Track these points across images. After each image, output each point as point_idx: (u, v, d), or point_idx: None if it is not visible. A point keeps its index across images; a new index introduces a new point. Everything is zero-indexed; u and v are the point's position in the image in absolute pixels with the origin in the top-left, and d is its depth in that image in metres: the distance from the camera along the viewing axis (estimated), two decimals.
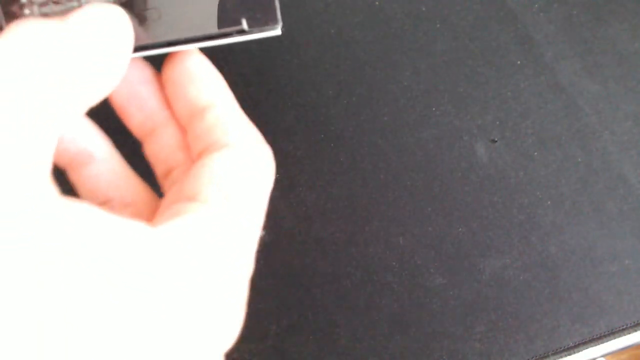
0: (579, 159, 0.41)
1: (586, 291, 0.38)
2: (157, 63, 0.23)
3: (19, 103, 0.16)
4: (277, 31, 0.21)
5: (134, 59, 0.21)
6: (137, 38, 0.20)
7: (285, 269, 0.37)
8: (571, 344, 0.37)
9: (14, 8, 0.20)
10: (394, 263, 0.38)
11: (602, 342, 0.37)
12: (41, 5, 0.20)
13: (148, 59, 0.22)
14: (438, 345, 0.36)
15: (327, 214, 0.38)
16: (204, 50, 0.22)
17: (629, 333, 0.38)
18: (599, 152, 0.41)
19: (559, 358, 0.37)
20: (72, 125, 0.22)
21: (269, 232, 0.37)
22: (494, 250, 0.38)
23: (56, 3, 0.20)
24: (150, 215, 0.22)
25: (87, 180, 0.23)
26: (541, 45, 0.43)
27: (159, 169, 0.23)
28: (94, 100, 0.19)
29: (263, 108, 0.39)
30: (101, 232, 0.15)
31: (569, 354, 0.37)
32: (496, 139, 0.41)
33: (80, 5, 0.20)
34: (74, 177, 0.23)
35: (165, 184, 0.23)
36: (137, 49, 0.21)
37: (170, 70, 0.22)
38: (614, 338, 0.38)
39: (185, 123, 0.22)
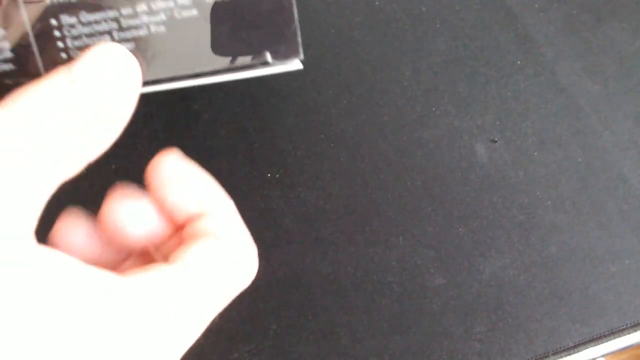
0: (579, 159, 0.41)
1: (586, 291, 0.38)
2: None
3: (15, 171, 0.17)
4: (298, 64, 0.21)
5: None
6: (157, 72, 0.21)
7: (285, 269, 0.37)
8: (571, 344, 0.37)
9: (49, 44, 0.20)
10: (394, 263, 0.38)
11: (602, 342, 0.37)
12: (74, 38, 0.20)
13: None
14: (438, 345, 0.36)
15: (327, 214, 0.38)
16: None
17: (629, 333, 0.38)
18: (599, 152, 0.41)
19: (559, 358, 0.37)
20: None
21: (269, 233, 0.37)
22: (494, 250, 0.38)
23: (90, 36, 0.20)
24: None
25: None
26: (541, 45, 0.43)
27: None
28: (95, 153, 0.19)
29: (263, 108, 0.39)
30: (72, 280, 0.17)
31: (569, 354, 0.37)
32: (496, 139, 0.41)
33: (111, 36, 0.20)
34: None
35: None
36: (157, 81, 0.21)
37: (153, 179, 0.21)
38: (614, 338, 0.38)
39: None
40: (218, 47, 0.21)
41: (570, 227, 0.39)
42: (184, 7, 0.21)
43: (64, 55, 0.21)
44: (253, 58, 0.21)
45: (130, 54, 0.19)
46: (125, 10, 0.20)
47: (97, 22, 0.20)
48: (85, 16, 0.20)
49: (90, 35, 0.20)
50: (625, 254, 0.39)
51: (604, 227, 0.39)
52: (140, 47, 0.21)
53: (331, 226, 0.38)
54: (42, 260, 0.17)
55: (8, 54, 0.20)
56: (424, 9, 0.43)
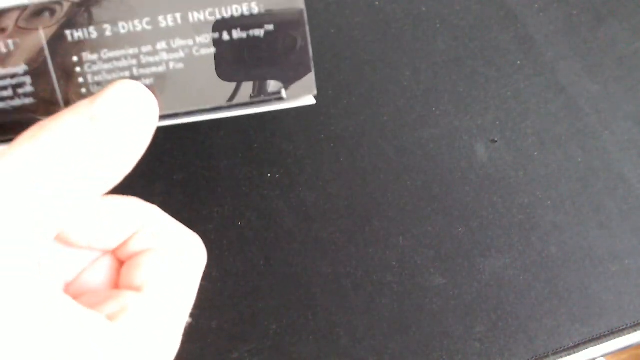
0: (579, 159, 0.41)
1: (586, 291, 0.38)
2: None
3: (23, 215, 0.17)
4: (311, 100, 0.22)
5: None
6: (174, 106, 0.21)
7: (285, 269, 0.37)
8: (571, 344, 0.37)
9: (69, 79, 0.21)
10: (394, 263, 0.38)
11: (602, 342, 0.37)
12: (94, 74, 0.21)
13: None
14: (438, 345, 0.36)
15: (327, 214, 0.38)
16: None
17: (629, 333, 0.38)
18: (599, 152, 0.41)
19: (559, 358, 0.37)
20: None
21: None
22: (494, 250, 0.38)
23: (110, 72, 0.21)
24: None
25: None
26: (541, 45, 0.43)
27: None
28: (108, 186, 0.19)
29: None
30: (65, 320, 0.17)
31: (569, 354, 0.37)
32: (496, 139, 0.41)
33: (131, 72, 0.21)
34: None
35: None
36: (174, 116, 0.21)
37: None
38: (614, 338, 0.38)
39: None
40: (234, 83, 0.22)
41: (570, 227, 0.39)
42: (202, 45, 0.21)
43: (83, 90, 0.21)
44: (268, 94, 0.22)
45: (149, 92, 0.20)
46: (146, 48, 0.21)
47: (117, 59, 0.21)
48: (107, 53, 0.21)
49: (110, 72, 0.21)
50: (625, 254, 0.39)
51: (604, 227, 0.39)
52: (158, 83, 0.21)
53: (331, 226, 0.38)
54: (46, 297, 0.17)
55: (29, 89, 0.21)
56: (424, 9, 0.43)
